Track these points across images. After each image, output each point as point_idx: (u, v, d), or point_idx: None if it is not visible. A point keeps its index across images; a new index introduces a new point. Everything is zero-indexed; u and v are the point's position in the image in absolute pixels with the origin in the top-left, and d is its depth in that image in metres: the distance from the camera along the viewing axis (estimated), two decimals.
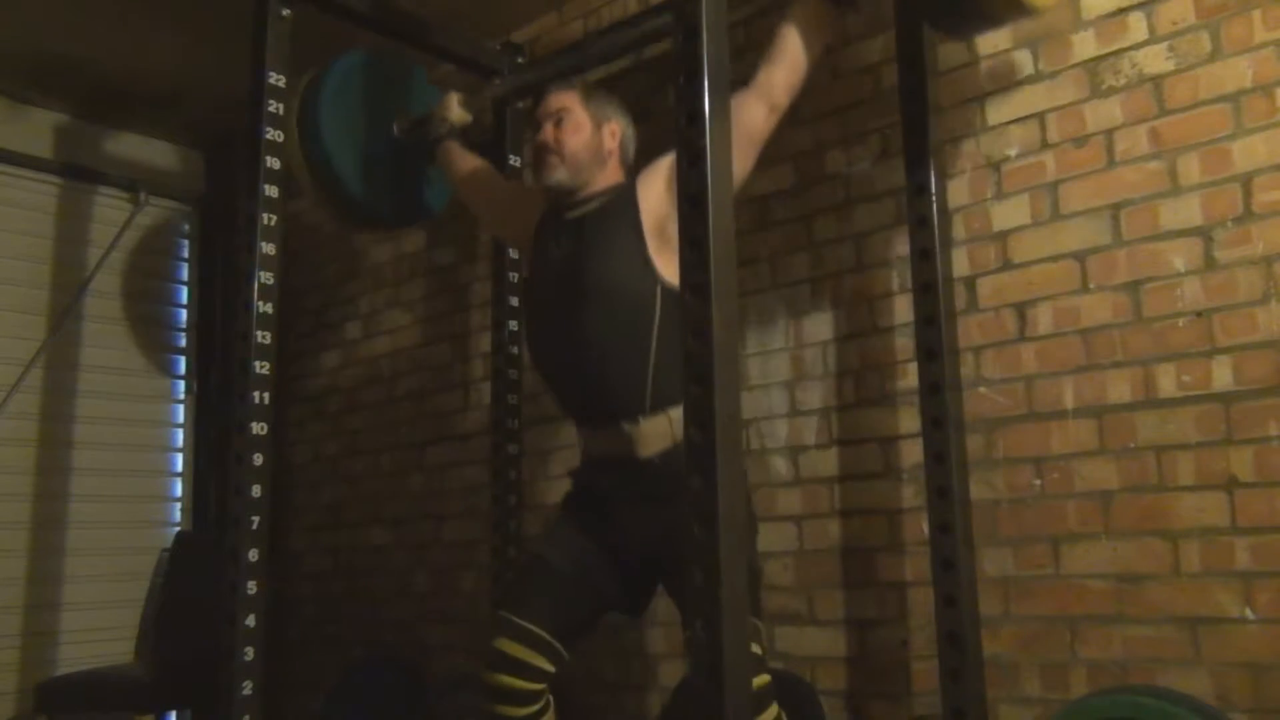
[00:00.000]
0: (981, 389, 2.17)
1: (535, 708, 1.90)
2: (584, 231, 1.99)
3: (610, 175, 2.07)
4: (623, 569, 1.96)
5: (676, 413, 1.85)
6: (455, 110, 2.53)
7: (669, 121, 2.81)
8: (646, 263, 1.91)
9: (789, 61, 1.92)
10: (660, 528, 1.86)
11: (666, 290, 1.89)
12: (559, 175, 2.03)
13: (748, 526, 1.84)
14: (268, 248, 2.24)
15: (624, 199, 1.98)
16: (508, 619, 1.91)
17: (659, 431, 1.89)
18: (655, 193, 1.96)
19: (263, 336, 2.23)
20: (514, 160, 2.92)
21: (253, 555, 2.13)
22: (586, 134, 2.04)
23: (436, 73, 3.44)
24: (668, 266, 1.89)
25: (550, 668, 1.89)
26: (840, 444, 2.38)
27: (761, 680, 1.74)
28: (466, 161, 2.47)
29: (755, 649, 1.72)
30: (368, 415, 3.57)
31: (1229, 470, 1.86)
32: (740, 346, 2.52)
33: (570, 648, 1.93)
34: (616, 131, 2.09)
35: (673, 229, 1.90)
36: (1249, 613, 1.82)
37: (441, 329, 3.36)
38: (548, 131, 2.05)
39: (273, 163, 2.27)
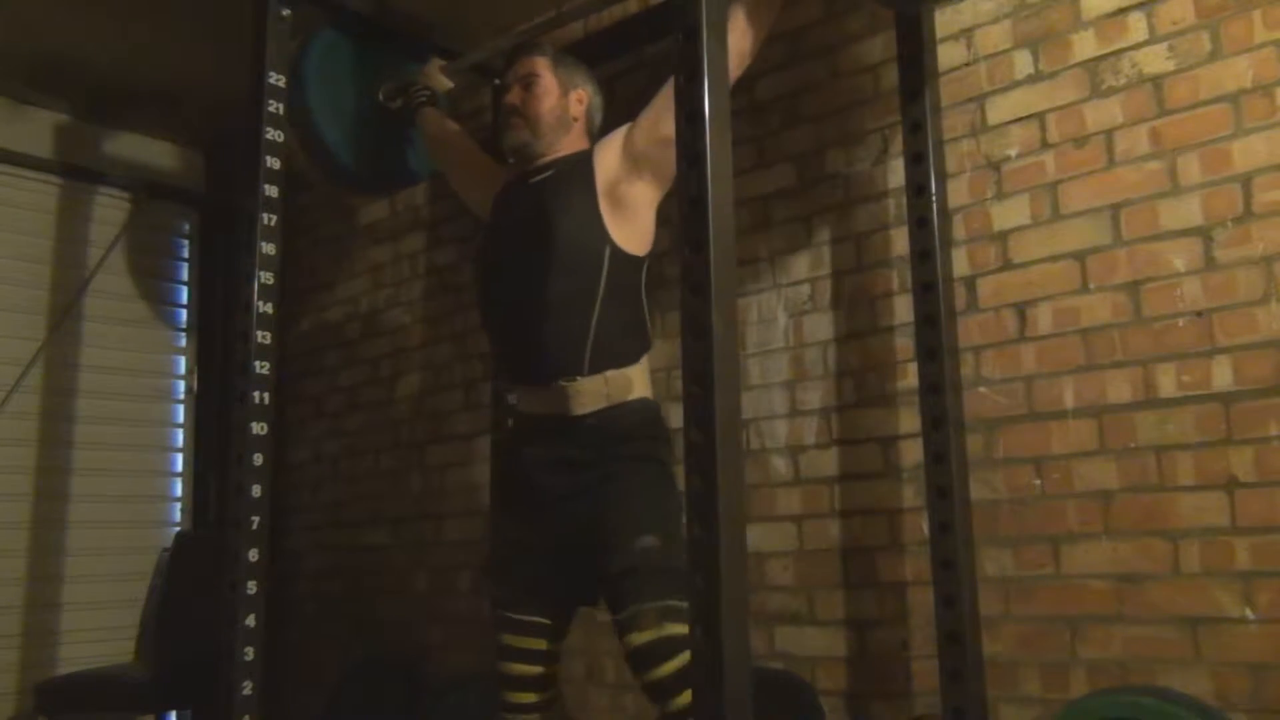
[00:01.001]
0: (981, 389, 2.17)
1: (547, 694, 2.00)
2: (541, 195, 2.03)
3: (574, 142, 2.10)
4: (568, 570, 1.97)
5: (613, 374, 1.92)
6: (436, 77, 2.59)
7: None
8: (597, 222, 1.95)
9: (739, 28, 1.93)
10: (578, 522, 1.90)
11: (615, 251, 1.94)
12: (522, 136, 2.08)
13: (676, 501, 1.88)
14: (268, 248, 2.24)
15: (581, 165, 2.02)
16: (504, 615, 2.00)
17: (594, 391, 1.91)
18: (610, 156, 2.00)
19: (263, 336, 2.23)
20: (513, 161, 2.92)
21: (253, 555, 2.13)
22: (553, 99, 2.09)
23: None
24: (618, 229, 1.95)
25: (551, 646, 1.99)
26: (840, 444, 2.38)
27: (683, 660, 1.72)
28: (442, 124, 2.52)
29: (679, 629, 1.73)
30: (368, 415, 3.57)
31: (1229, 470, 1.86)
32: (740, 346, 2.52)
33: (567, 623, 2.03)
34: (583, 98, 2.13)
35: (624, 190, 1.96)
36: (1249, 613, 1.82)
37: (441, 329, 3.36)
38: (515, 94, 2.10)
39: (273, 162, 2.26)
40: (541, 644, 1.98)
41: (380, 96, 2.64)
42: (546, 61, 2.12)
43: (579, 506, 1.92)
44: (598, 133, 2.15)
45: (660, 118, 1.91)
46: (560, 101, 2.09)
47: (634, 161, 1.96)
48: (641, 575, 1.78)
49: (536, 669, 1.98)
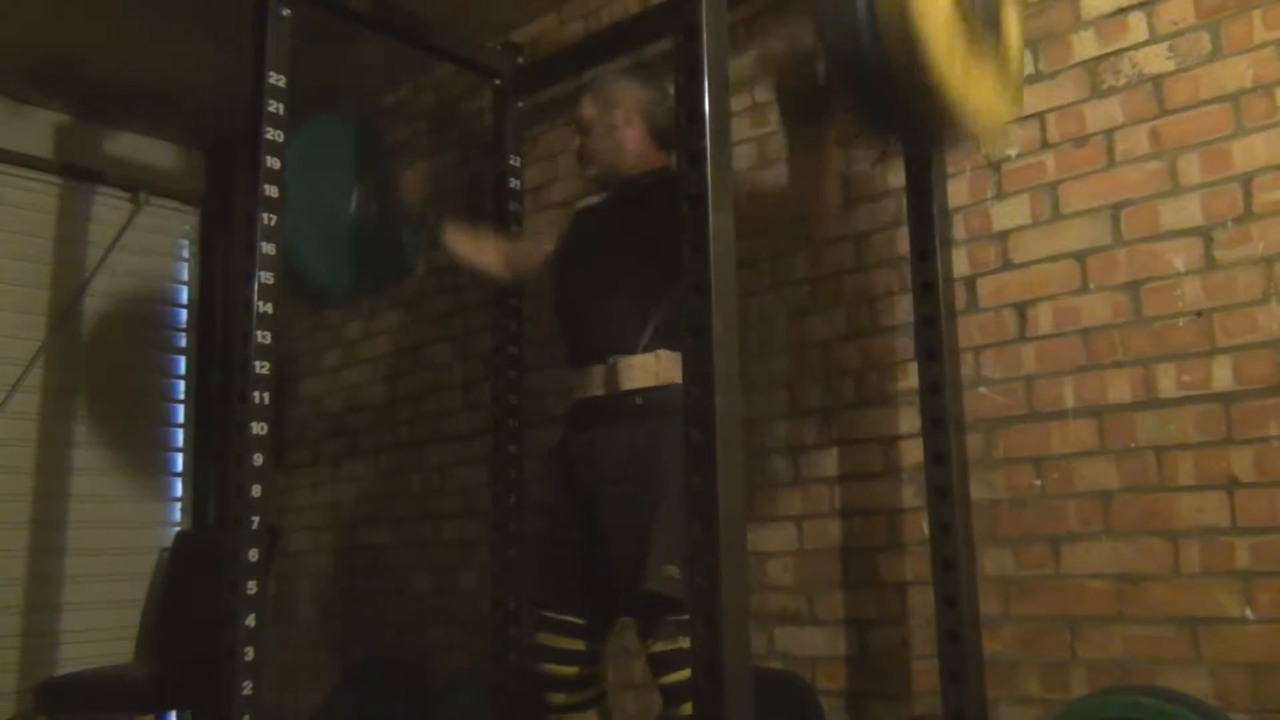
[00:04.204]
0: (982, 389, 2.17)
1: (585, 694, 2.04)
2: (622, 206, 2.13)
3: (641, 155, 2.15)
4: (604, 573, 2.00)
5: (667, 354, 1.95)
6: (412, 191, 2.43)
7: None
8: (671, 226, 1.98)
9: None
10: (618, 523, 1.93)
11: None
12: (591, 172, 2.21)
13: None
14: (268, 248, 2.24)
15: (662, 186, 2.04)
16: (542, 615, 2.05)
17: (645, 367, 1.96)
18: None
19: (263, 336, 2.23)
20: (514, 160, 2.92)
21: (253, 555, 2.13)
22: (601, 133, 2.17)
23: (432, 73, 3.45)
24: None
25: (590, 647, 2.02)
26: (840, 444, 2.38)
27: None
28: (486, 250, 2.48)
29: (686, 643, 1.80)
30: (368, 415, 3.57)
31: (1229, 470, 1.86)
32: (740, 346, 2.51)
33: (607, 625, 2.05)
34: (628, 112, 2.16)
35: None
36: (1249, 613, 1.82)
37: (442, 329, 3.36)
38: (577, 142, 2.22)
39: (273, 162, 2.26)
40: (579, 645, 2.01)
41: (353, 206, 2.50)
42: (590, 99, 2.21)
43: (619, 503, 1.94)
44: (665, 125, 2.14)
45: None
46: (609, 132, 2.16)
47: None
48: (665, 597, 1.84)
49: (573, 670, 2.02)
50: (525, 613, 2.71)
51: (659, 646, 1.87)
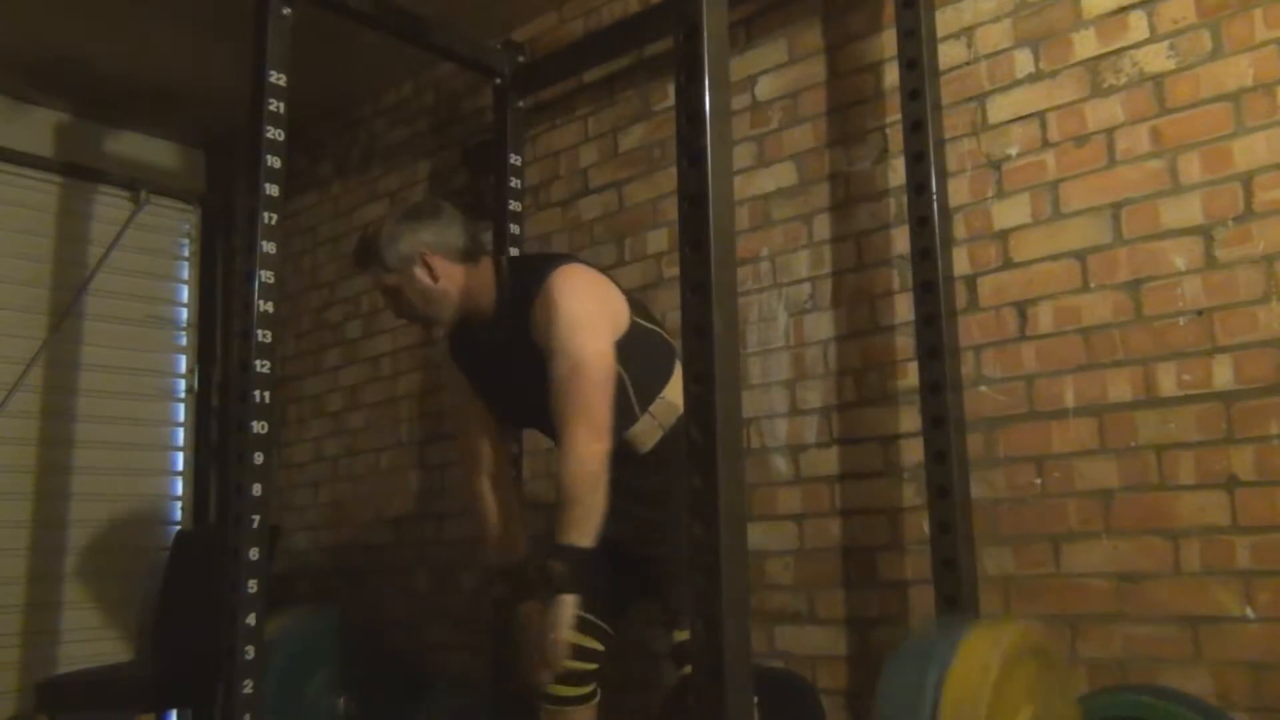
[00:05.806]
0: (982, 388, 2.16)
1: (588, 689, 2.07)
2: (508, 360, 2.02)
3: (475, 287, 2.02)
4: (629, 570, 2.06)
5: (657, 404, 2.02)
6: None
7: (669, 121, 2.81)
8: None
9: None
10: (651, 547, 2.00)
11: None
12: (435, 331, 2.09)
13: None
14: (268, 246, 2.24)
15: (519, 323, 1.97)
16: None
17: (649, 429, 2.01)
18: (539, 328, 1.93)
19: (263, 335, 2.23)
20: (514, 159, 2.93)
21: (253, 554, 2.13)
22: (410, 291, 2.01)
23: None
24: None
25: (600, 646, 2.05)
26: (841, 443, 2.38)
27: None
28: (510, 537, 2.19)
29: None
30: (368, 414, 3.57)
31: (1230, 469, 1.86)
32: (741, 345, 2.52)
33: (615, 627, 2.09)
34: (425, 260, 1.99)
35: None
36: (1249, 612, 1.82)
37: None
38: (401, 309, 2.07)
39: (273, 161, 2.27)
40: (591, 642, 2.05)
41: (340, 706, 2.52)
42: (378, 273, 2.02)
43: (651, 532, 2.00)
44: (459, 243, 2.02)
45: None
46: (414, 286, 2.00)
47: None
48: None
49: (590, 666, 2.05)
50: None
51: (685, 635, 1.90)
